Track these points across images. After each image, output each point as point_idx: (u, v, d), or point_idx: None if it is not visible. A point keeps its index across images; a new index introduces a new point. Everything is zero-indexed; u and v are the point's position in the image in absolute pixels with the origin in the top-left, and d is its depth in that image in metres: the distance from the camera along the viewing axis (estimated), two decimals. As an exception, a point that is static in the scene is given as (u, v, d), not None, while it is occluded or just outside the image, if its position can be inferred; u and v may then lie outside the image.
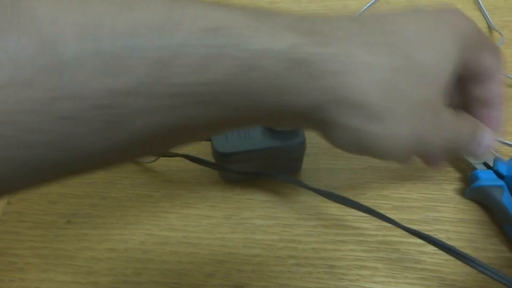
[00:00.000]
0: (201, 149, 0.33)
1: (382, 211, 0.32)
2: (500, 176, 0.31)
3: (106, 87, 0.14)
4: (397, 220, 0.31)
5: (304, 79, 0.17)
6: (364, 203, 0.32)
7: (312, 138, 0.36)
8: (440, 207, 0.32)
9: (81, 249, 0.31)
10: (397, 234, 0.31)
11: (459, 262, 0.29)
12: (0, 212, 0.34)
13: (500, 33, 0.41)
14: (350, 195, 0.30)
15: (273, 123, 0.21)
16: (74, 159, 0.16)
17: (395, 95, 0.19)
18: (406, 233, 0.31)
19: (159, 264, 0.30)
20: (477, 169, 0.31)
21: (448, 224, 0.31)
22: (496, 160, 0.32)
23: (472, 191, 0.31)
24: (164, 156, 0.33)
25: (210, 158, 0.33)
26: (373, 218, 0.32)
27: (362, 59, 0.18)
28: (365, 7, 0.44)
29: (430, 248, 0.30)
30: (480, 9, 0.44)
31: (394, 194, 0.33)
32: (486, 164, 0.32)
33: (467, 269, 0.29)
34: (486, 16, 0.43)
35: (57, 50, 0.13)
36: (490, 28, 0.42)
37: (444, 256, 0.30)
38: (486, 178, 0.31)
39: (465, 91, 0.25)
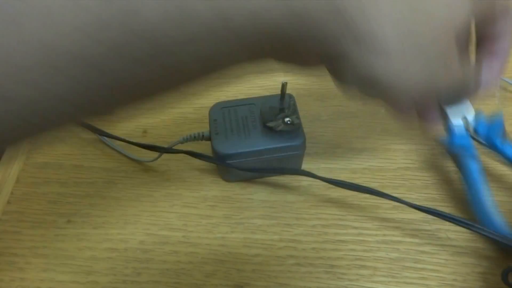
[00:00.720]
0: (201, 150, 0.33)
1: (381, 211, 0.32)
2: (476, 139, 0.30)
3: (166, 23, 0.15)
4: (397, 219, 0.32)
5: (328, 11, 0.18)
6: (364, 203, 0.33)
7: (312, 138, 0.36)
8: (440, 206, 0.32)
9: (81, 249, 0.31)
10: (397, 234, 0.31)
11: (459, 262, 0.29)
12: (0, 212, 0.34)
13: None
14: (350, 194, 0.30)
15: (287, 57, 0.21)
16: (117, 92, 0.16)
17: (406, 31, 0.19)
18: (406, 232, 0.31)
19: (159, 264, 0.30)
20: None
21: (448, 224, 0.31)
22: (475, 121, 0.29)
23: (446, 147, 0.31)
24: (169, 152, 0.33)
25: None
26: (373, 218, 0.32)
27: None
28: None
29: (430, 247, 0.30)
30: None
31: (394, 194, 0.33)
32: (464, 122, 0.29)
33: (467, 269, 0.29)
34: (486, 17, 0.43)
35: None
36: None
37: (444, 255, 0.30)
38: (460, 141, 0.30)
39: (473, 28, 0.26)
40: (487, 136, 0.29)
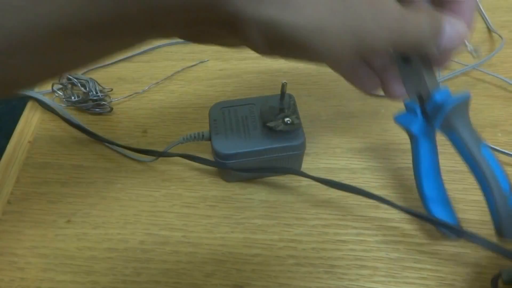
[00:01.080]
0: (201, 150, 0.33)
1: (381, 211, 0.32)
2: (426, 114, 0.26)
3: None
4: (397, 219, 0.32)
5: None
6: (364, 203, 0.33)
7: (312, 138, 0.36)
8: (439, 207, 0.32)
9: (81, 249, 0.31)
10: (397, 234, 0.31)
11: (459, 262, 0.29)
12: (0, 212, 0.34)
13: (500, 36, 0.41)
14: (350, 194, 0.30)
15: (179, 28, 0.18)
16: None
17: None
18: (406, 232, 0.31)
19: (159, 264, 0.30)
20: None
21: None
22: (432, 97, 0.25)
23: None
24: (164, 156, 0.33)
25: (210, 159, 0.33)
26: (373, 217, 0.32)
27: None
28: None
29: (430, 247, 0.30)
30: (478, 9, 0.44)
31: (393, 194, 0.33)
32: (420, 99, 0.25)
33: (467, 269, 0.29)
34: (485, 17, 0.43)
35: None
36: (489, 30, 0.43)
37: (444, 255, 0.30)
38: (407, 119, 0.27)
39: None
40: (430, 115, 0.25)
